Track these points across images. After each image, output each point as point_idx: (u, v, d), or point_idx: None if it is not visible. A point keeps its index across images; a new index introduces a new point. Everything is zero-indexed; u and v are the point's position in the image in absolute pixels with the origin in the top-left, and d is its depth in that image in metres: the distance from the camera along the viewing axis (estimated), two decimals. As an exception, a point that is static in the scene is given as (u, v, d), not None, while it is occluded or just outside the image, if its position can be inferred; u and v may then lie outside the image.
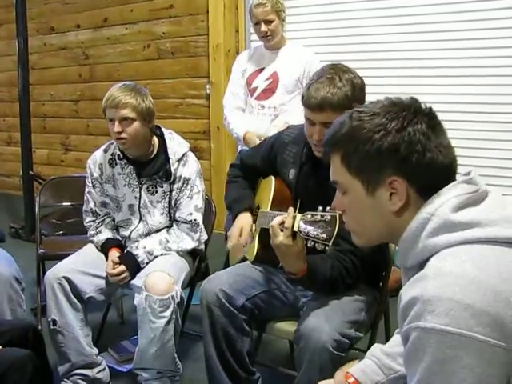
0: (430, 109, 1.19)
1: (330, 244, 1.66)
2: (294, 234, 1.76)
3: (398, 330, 1.50)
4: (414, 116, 1.15)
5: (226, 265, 2.40)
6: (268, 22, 3.20)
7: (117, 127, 2.39)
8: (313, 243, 1.70)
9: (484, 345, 0.97)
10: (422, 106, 1.19)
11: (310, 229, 1.69)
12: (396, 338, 1.49)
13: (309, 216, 1.71)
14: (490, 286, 1.00)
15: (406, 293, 1.07)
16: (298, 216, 1.74)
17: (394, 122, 1.15)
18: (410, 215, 1.16)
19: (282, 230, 1.76)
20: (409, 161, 1.13)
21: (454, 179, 1.16)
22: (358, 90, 1.91)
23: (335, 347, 1.77)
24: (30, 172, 4.90)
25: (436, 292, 1.01)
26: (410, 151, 1.13)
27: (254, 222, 2.21)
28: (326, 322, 1.81)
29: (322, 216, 1.68)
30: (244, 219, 2.21)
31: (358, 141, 1.17)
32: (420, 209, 1.14)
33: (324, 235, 1.66)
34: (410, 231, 1.14)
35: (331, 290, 1.94)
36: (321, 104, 1.88)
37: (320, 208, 1.70)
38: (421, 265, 1.12)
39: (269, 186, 2.19)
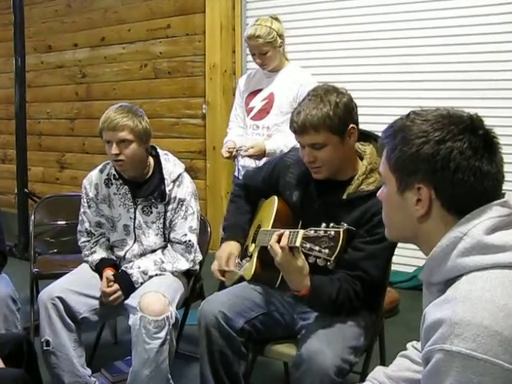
0: (487, 132, 1.16)
1: (332, 259, 1.66)
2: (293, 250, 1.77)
3: (401, 352, 1.49)
4: (461, 133, 1.14)
5: (221, 285, 2.38)
6: (262, 54, 3.21)
7: (114, 149, 2.40)
8: (314, 259, 1.70)
9: (509, 373, 0.97)
10: (479, 126, 1.16)
11: (311, 244, 1.70)
12: (400, 362, 1.47)
13: (312, 232, 1.72)
14: None
15: (432, 313, 1.07)
16: (301, 231, 1.74)
17: (438, 132, 1.15)
18: (432, 227, 1.17)
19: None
20: (439, 174, 1.14)
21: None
22: (341, 107, 1.89)
23: (336, 373, 1.75)
24: (25, 190, 4.89)
25: (465, 316, 1.00)
26: (442, 165, 1.13)
27: (254, 241, 2.20)
28: (328, 346, 1.80)
29: (325, 232, 1.69)
30: (233, 246, 2.21)
31: (401, 140, 1.19)
32: (451, 227, 1.13)
33: (326, 250, 1.66)
34: (440, 248, 1.14)
35: (336, 312, 1.93)
36: (301, 127, 1.89)
37: (324, 224, 1.71)
38: (446, 283, 1.12)
39: (271, 206, 2.18)
